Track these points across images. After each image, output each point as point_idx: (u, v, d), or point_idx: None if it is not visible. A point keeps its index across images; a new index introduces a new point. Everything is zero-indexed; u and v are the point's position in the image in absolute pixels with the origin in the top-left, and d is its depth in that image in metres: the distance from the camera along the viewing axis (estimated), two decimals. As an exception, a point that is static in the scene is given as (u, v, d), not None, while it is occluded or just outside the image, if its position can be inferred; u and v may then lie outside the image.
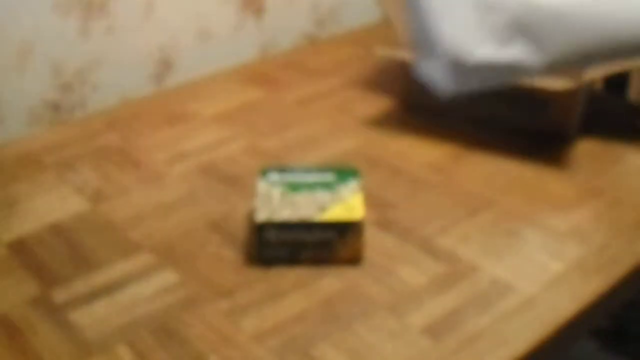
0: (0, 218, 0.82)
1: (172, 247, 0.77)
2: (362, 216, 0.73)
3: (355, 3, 1.36)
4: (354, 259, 0.74)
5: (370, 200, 0.83)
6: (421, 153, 0.93)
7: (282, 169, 0.80)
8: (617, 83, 1.31)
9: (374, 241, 0.77)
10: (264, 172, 0.79)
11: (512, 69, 0.46)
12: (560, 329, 0.68)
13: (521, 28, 0.44)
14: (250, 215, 0.81)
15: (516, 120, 0.96)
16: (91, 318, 0.68)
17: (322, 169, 0.80)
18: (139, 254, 0.76)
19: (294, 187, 0.77)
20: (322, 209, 0.73)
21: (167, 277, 0.73)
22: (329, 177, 0.78)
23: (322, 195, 0.75)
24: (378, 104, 1.05)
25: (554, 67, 0.48)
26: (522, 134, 0.95)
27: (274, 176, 0.79)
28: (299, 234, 0.73)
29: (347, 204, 0.74)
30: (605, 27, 0.45)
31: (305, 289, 0.71)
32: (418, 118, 1.00)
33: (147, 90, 1.13)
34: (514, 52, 0.45)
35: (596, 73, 0.87)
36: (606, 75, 1.19)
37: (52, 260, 0.76)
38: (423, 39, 0.46)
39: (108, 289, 0.72)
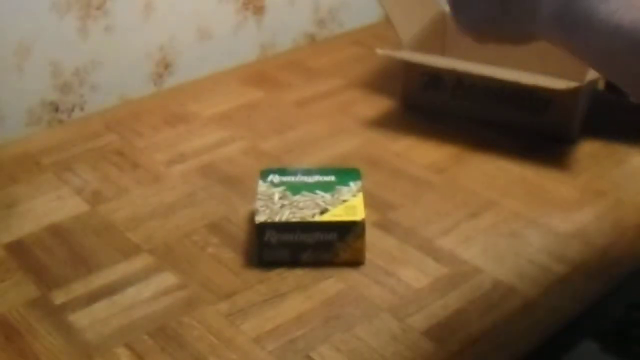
0: (-2, 219, 0.82)
1: (171, 249, 0.77)
2: (363, 217, 0.72)
3: (356, 3, 1.36)
4: (355, 261, 0.74)
5: (371, 201, 0.82)
6: (422, 154, 0.92)
7: (282, 170, 0.79)
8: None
9: (375, 242, 0.77)
10: (264, 173, 0.79)
11: None
12: (562, 331, 0.67)
13: None
14: (250, 217, 0.81)
15: (517, 120, 0.95)
16: (90, 320, 0.68)
17: (322, 169, 0.80)
18: (139, 256, 0.76)
19: (295, 188, 0.76)
20: (323, 210, 0.73)
21: (167, 278, 0.73)
22: (329, 178, 0.78)
23: (322, 196, 0.75)
24: (378, 104, 1.05)
25: None
26: (523, 135, 0.95)
27: (274, 177, 0.78)
28: (299, 235, 0.72)
29: (348, 205, 0.74)
30: None
31: (306, 290, 0.71)
32: (418, 118, 1.00)
33: (147, 91, 1.12)
34: None
35: (598, 73, 0.86)
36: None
37: (51, 262, 0.75)
38: None
39: (107, 291, 0.71)
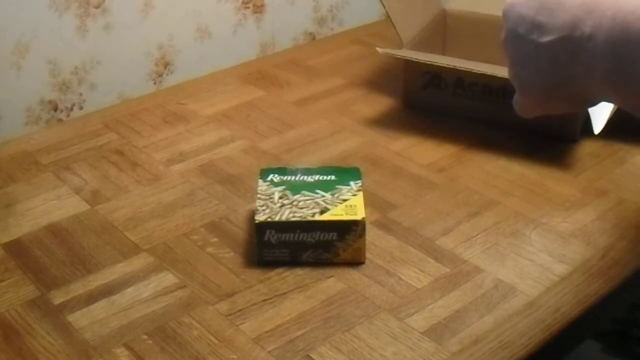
0: (-3, 218, 0.81)
1: (171, 249, 0.76)
2: (363, 217, 0.72)
3: (356, 2, 1.35)
4: (356, 260, 0.73)
5: (371, 201, 0.82)
6: (422, 153, 0.92)
7: (282, 169, 0.79)
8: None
9: (375, 242, 0.76)
10: (264, 172, 0.79)
11: None
12: (564, 331, 0.67)
13: None
14: (250, 216, 0.80)
15: (518, 119, 0.95)
16: (89, 320, 0.67)
17: (322, 169, 0.79)
18: (138, 255, 0.75)
19: (294, 188, 0.76)
20: (323, 209, 0.73)
21: (166, 278, 0.72)
22: (329, 177, 0.77)
23: (322, 196, 0.74)
24: (379, 103, 1.05)
25: None
26: (524, 134, 0.95)
27: (274, 176, 0.78)
28: (299, 235, 0.72)
29: (348, 205, 0.73)
30: None
31: (306, 290, 0.71)
32: (419, 117, 1.00)
33: (146, 90, 1.12)
34: None
35: None
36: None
37: (50, 262, 0.75)
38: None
39: (106, 291, 0.71)
